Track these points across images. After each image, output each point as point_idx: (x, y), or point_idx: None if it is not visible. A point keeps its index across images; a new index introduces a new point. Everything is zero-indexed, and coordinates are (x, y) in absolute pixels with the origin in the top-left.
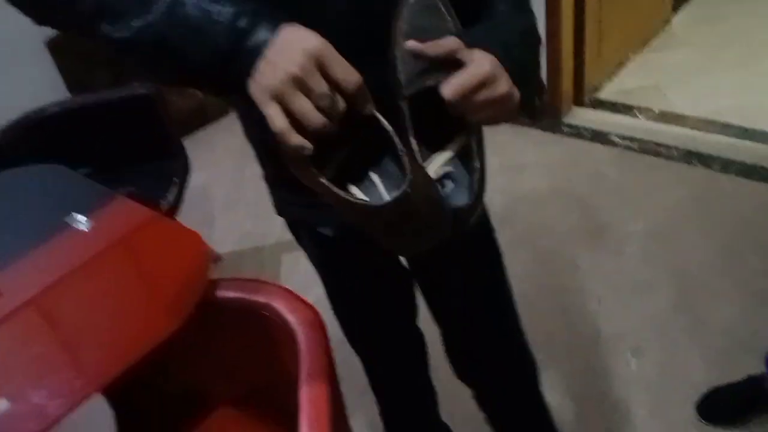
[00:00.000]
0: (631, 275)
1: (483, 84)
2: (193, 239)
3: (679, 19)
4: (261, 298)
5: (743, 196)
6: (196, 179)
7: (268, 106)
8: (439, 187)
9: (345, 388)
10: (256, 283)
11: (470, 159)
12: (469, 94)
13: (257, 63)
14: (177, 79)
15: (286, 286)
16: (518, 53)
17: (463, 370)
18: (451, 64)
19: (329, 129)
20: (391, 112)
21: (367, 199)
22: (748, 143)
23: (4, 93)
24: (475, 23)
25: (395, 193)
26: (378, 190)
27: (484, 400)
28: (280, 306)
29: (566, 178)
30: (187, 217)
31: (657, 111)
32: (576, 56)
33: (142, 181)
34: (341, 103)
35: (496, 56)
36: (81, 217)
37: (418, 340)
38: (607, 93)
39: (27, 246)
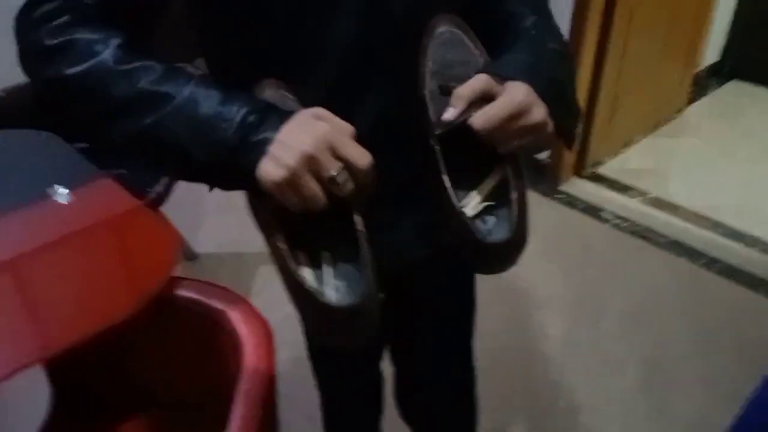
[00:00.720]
0: (600, 352)
1: (516, 114)
2: (168, 232)
3: (694, 110)
4: (217, 304)
5: (723, 296)
6: None
7: (282, 192)
8: (481, 224)
9: (293, 410)
10: (215, 289)
11: (508, 191)
12: (501, 125)
13: (267, 148)
14: (183, 173)
15: (249, 299)
16: (551, 77)
17: (409, 409)
18: (484, 99)
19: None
20: (402, 144)
21: (315, 286)
22: (736, 245)
23: (11, 55)
24: (500, 38)
25: (349, 300)
26: (324, 276)
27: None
28: (234, 316)
29: (554, 244)
30: (176, 212)
31: (653, 196)
32: (585, 128)
33: (135, 166)
34: (350, 186)
35: (530, 85)
36: (63, 190)
37: (378, 381)
38: (608, 169)
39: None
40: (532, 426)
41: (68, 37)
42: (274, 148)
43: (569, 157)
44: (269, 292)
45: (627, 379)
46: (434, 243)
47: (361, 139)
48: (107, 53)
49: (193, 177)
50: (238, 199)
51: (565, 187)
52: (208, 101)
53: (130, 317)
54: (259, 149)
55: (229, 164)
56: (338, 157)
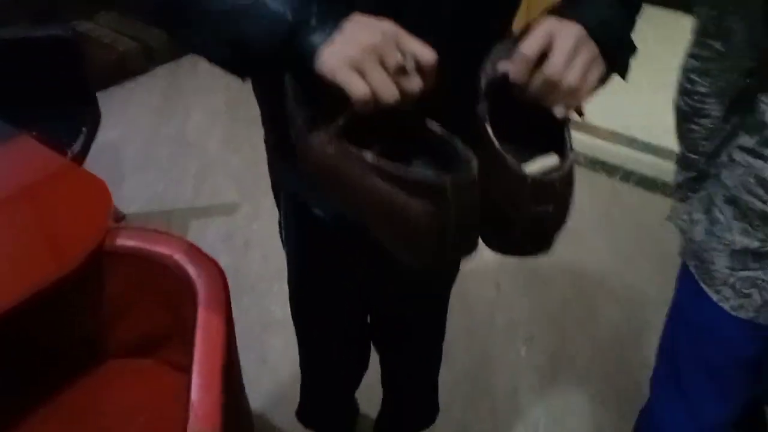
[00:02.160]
0: (530, 267)
1: (575, 49)
2: (97, 186)
3: None
4: (163, 249)
5: (641, 206)
6: (107, 135)
7: (346, 74)
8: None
9: (247, 353)
10: (159, 234)
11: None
12: (569, 60)
13: (332, 35)
14: (223, 47)
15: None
16: (600, 16)
17: (382, 336)
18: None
19: (401, 106)
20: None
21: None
22: (650, 157)
23: None
24: None
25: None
26: None
27: (388, 367)
28: (182, 258)
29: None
30: (94, 172)
31: (572, 120)
32: None
33: (47, 126)
34: (417, 81)
35: (585, 27)
36: None
37: (363, 338)
38: None
39: None
40: (472, 343)
41: None
42: (338, 36)
43: None
44: (202, 246)
45: (557, 291)
46: None
47: None
48: None
49: (235, 52)
50: (157, 153)
51: None
52: None
53: (69, 273)
54: (322, 34)
55: (285, 43)
56: (403, 52)
